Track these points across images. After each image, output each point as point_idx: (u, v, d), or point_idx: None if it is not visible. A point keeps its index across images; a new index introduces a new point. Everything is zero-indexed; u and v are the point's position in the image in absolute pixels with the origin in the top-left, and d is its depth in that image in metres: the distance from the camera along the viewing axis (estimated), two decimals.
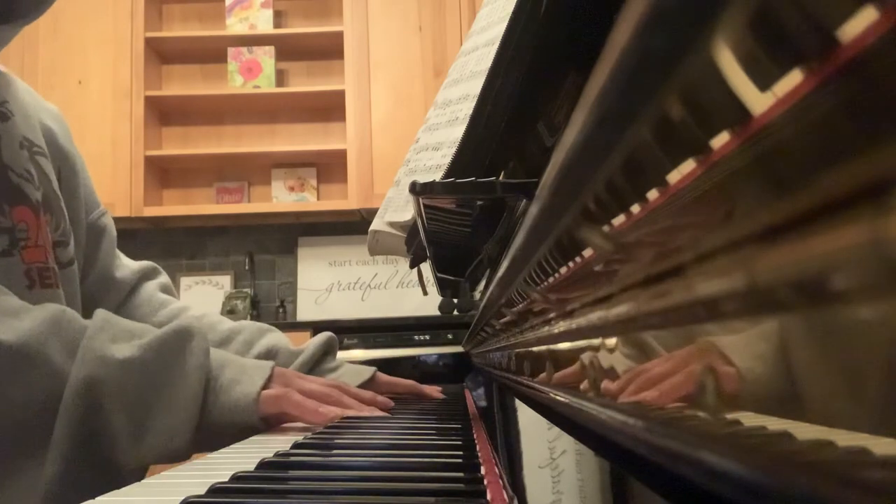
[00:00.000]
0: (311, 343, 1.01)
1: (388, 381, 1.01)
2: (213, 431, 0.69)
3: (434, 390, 1.05)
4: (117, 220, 1.04)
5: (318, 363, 1.00)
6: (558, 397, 0.29)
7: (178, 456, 0.66)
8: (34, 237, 0.75)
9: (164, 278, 1.05)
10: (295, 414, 0.72)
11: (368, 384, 0.97)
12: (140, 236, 2.94)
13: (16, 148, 0.76)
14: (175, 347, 0.69)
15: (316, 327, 2.35)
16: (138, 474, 0.67)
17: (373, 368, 0.99)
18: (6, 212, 0.73)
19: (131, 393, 0.65)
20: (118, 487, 0.64)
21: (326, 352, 1.01)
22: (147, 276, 1.02)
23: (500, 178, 0.49)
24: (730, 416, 0.13)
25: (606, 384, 0.21)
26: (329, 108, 2.96)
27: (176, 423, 0.66)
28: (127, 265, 1.00)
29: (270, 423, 0.74)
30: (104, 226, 0.97)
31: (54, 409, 0.62)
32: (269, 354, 0.97)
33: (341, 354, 1.05)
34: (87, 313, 0.73)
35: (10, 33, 0.80)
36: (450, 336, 2.41)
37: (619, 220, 0.18)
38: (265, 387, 0.71)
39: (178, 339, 0.70)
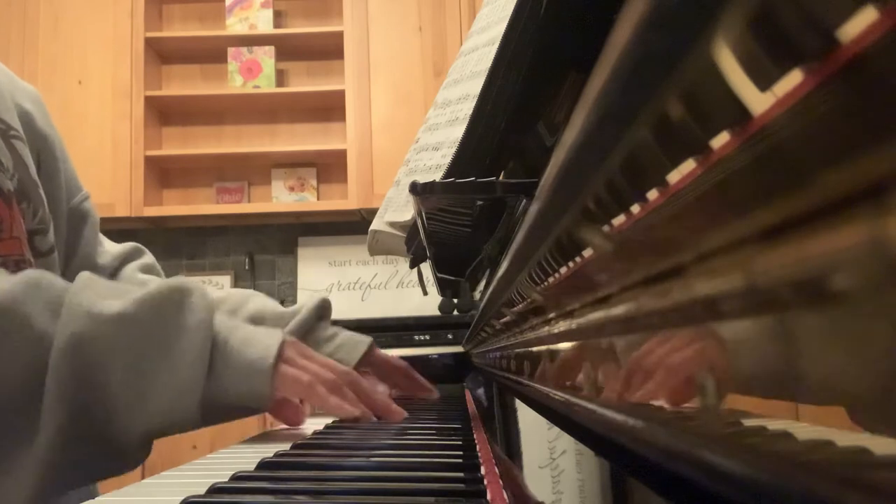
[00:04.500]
0: (302, 307, 0.95)
1: (384, 360, 0.97)
2: (222, 399, 0.62)
3: (429, 388, 1.02)
4: (117, 220, 1.03)
5: (311, 330, 0.94)
6: (558, 397, 0.29)
7: (184, 424, 0.60)
8: (8, 229, 0.71)
9: (147, 258, 0.99)
10: (316, 404, 0.68)
11: (366, 358, 0.95)
12: (140, 236, 2.94)
13: None
14: (173, 302, 0.62)
15: None
16: (142, 452, 0.61)
17: (369, 340, 0.95)
18: None
19: (126, 351, 0.58)
20: (121, 463, 0.59)
21: (320, 317, 0.97)
22: (129, 258, 0.96)
23: (500, 178, 0.49)
24: (730, 416, 0.13)
25: (606, 384, 0.21)
26: (329, 108, 2.96)
27: (179, 386, 0.59)
28: (109, 250, 0.94)
29: (274, 401, 0.67)
30: (86, 211, 0.91)
31: (41, 376, 0.56)
32: (254, 320, 0.90)
33: None
34: None
35: None
36: (450, 336, 2.40)
37: (619, 220, 0.18)
38: (279, 353, 0.65)
39: (176, 293, 0.62)
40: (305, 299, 1.00)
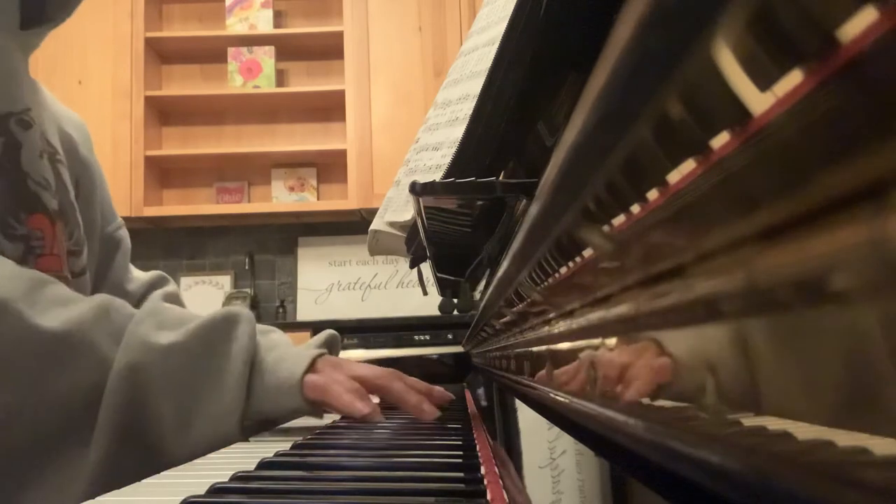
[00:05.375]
0: (310, 343, 1.00)
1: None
2: (262, 415, 0.69)
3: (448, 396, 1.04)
4: None
5: None
6: (558, 397, 0.29)
7: (228, 442, 0.66)
8: (49, 245, 0.75)
9: (170, 287, 1.05)
10: (334, 406, 0.71)
11: None
12: (140, 236, 2.93)
13: (35, 156, 0.76)
14: (220, 333, 0.68)
15: (316, 327, 2.35)
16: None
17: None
18: (22, 219, 0.73)
19: (176, 379, 0.65)
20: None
21: (329, 349, 1.01)
22: (154, 286, 1.03)
23: (500, 178, 0.49)
24: (730, 416, 0.13)
25: (606, 384, 0.21)
26: (329, 108, 2.96)
27: (223, 409, 0.66)
28: (138, 278, 1.01)
29: (317, 408, 0.72)
30: (120, 239, 0.98)
31: (101, 395, 0.63)
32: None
33: (342, 354, 1.04)
34: None
35: (38, 38, 0.82)
36: (450, 336, 2.40)
37: (619, 220, 0.18)
38: (311, 369, 0.70)
39: (224, 323, 0.69)
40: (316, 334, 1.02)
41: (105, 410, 0.62)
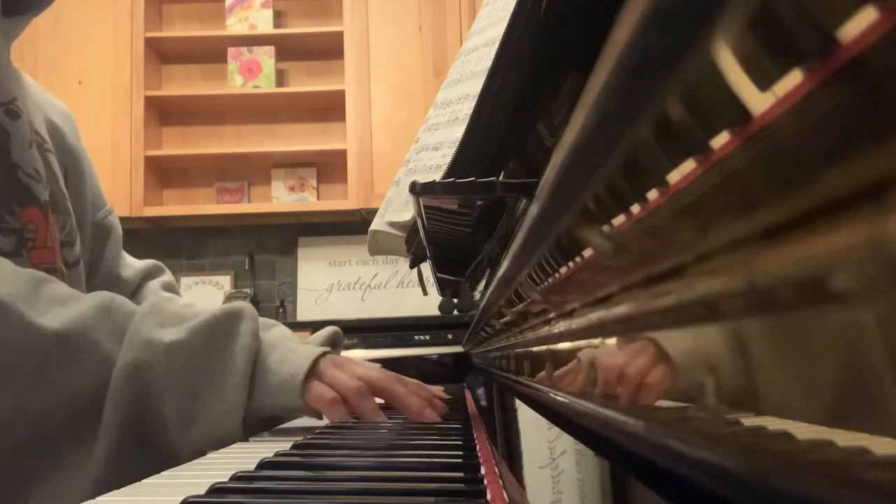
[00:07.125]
0: (314, 338, 1.00)
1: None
2: (264, 414, 0.68)
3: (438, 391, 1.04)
4: None
5: None
6: (558, 397, 0.29)
7: (229, 440, 0.65)
8: (42, 238, 0.75)
9: (167, 276, 1.05)
10: (329, 418, 0.71)
11: None
12: (140, 236, 2.94)
13: (25, 146, 0.75)
14: (223, 330, 0.68)
15: (316, 327, 2.33)
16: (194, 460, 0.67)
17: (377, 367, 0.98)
18: (15, 212, 0.72)
19: (179, 377, 0.65)
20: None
21: (332, 346, 1.01)
22: (150, 275, 1.02)
23: (500, 178, 0.49)
24: (730, 416, 0.13)
25: (606, 384, 0.21)
26: (329, 108, 2.95)
27: (225, 407, 0.65)
28: (132, 264, 1.00)
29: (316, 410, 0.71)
30: (110, 225, 0.97)
31: (104, 394, 0.62)
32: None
33: (343, 354, 1.04)
34: None
35: (20, 26, 0.81)
36: (450, 336, 2.40)
37: (619, 220, 0.18)
38: (313, 368, 0.69)
39: (227, 321, 0.68)
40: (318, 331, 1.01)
41: (109, 409, 0.62)
